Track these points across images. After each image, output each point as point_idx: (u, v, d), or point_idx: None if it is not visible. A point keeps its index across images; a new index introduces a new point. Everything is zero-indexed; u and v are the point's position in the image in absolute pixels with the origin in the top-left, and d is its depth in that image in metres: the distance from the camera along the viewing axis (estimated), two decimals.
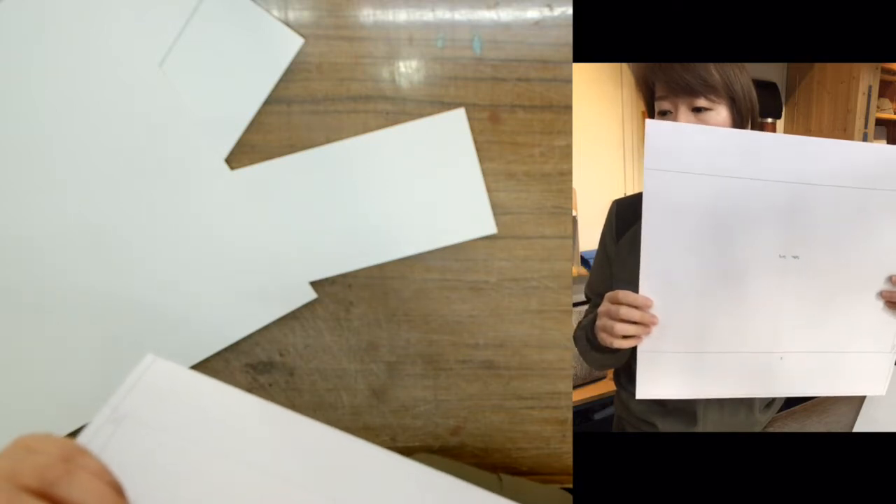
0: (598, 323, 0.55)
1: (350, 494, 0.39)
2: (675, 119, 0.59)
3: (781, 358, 0.57)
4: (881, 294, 0.56)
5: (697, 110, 0.59)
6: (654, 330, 0.54)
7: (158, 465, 0.38)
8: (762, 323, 0.55)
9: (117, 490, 0.35)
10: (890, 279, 0.56)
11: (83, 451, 0.36)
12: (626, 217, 0.66)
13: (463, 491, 0.40)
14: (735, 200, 0.52)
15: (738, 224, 0.53)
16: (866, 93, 1.75)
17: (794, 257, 0.54)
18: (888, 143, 2.08)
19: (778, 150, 0.52)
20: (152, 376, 0.41)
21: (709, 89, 0.58)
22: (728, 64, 0.58)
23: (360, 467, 0.40)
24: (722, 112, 0.59)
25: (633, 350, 0.68)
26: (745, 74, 0.60)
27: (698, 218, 0.52)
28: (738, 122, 0.60)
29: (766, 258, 0.53)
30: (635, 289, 0.63)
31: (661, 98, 0.60)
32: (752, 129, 0.61)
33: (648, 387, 0.56)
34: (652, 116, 0.63)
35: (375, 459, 0.41)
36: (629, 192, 1.20)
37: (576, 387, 1.29)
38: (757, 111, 0.62)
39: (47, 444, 0.35)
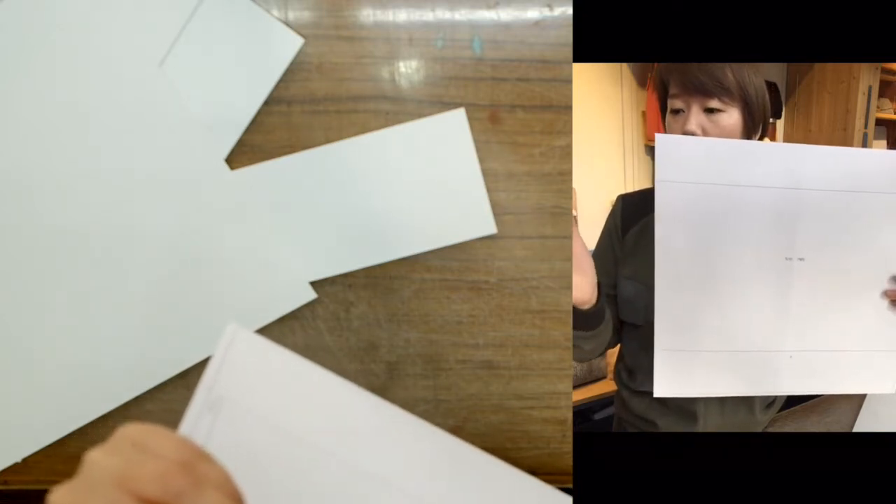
0: None
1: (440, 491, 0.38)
2: (686, 118, 0.59)
3: (791, 357, 0.58)
4: (885, 293, 0.57)
5: (709, 111, 0.58)
6: (672, 330, 0.56)
7: (262, 458, 0.34)
8: (771, 322, 0.57)
9: (240, 503, 0.31)
10: (893, 279, 0.56)
11: (203, 455, 0.31)
12: (630, 213, 0.66)
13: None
14: (742, 207, 0.54)
15: (746, 229, 0.54)
16: (866, 93, 1.75)
17: (800, 259, 0.55)
18: (888, 143, 2.08)
19: (780, 158, 0.54)
20: (238, 348, 0.38)
21: (722, 91, 0.57)
22: (744, 66, 0.58)
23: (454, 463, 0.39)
24: (734, 114, 0.59)
25: (636, 348, 0.68)
26: (759, 78, 0.59)
27: (708, 224, 0.54)
28: (750, 125, 0.60)
29: (773, 261, 0.55)
30: (637, 285, 0.64)
31: (675, 96, 0.60)
32: (763, 131, 0.62)
33: (666, 385, 0.58)
34: (664, 114, 0.63)
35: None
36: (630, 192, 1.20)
37: (576, 387, 1.29)
38: (769, 115, 0.61)
39: (162, 443, 0.30)
